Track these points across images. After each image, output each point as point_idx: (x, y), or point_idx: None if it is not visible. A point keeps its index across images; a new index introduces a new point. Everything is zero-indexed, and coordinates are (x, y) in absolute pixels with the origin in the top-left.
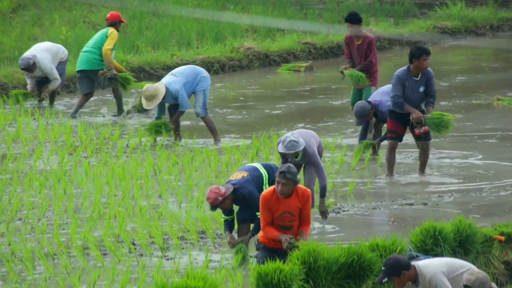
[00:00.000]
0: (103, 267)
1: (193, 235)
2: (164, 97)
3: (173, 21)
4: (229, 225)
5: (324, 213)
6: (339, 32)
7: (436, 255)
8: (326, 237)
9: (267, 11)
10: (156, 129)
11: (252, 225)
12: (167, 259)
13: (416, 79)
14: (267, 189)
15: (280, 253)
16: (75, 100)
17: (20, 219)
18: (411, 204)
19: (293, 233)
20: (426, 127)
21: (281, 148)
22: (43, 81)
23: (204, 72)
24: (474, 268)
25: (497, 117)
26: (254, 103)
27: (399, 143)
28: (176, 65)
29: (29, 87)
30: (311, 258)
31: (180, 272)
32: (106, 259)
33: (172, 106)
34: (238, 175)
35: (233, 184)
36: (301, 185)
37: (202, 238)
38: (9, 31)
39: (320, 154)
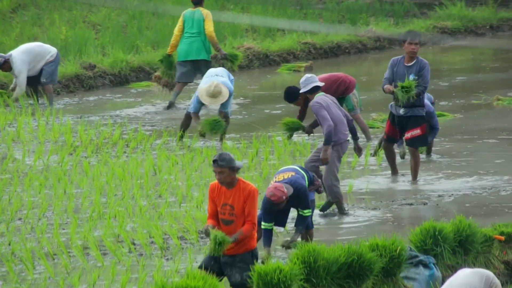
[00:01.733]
0: (103, 267)
1: (193, 235)
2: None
3: (173, 21)
4: (269, 236)
5: (324, 160)
6: (339, 32)
7: (436, 255)
8: (326, 237)
9: (267, 11)
10: (214, 125)
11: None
12: (167, 259)
13: (407, 65)
14: (215, 181)
15: (221, 260)
16: (75, 100)
17: (20, 219)
18: (411, 204)
19: (233, 230)
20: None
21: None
22: (34, 81)
23: (230, 75)
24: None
25: (497, 117)
26: (254, 103)
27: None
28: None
29: (11, 85)
30: (311, 258)
31: (180, 272)
32: (106, 259)
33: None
34: (285, 175)
35: (287, 182)
36: (247, 181)
37: (202, 238)
38: (9, 31)
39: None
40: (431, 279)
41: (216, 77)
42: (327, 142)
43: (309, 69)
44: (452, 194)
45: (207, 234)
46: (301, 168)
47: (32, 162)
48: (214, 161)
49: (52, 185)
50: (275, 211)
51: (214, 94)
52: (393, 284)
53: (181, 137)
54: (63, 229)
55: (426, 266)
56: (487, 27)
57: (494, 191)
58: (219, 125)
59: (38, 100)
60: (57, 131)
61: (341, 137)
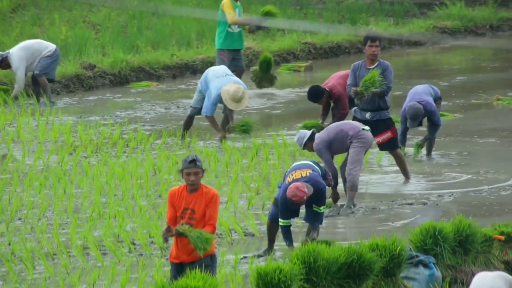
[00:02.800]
0: (103, 267)
1: None
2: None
3: (173, 21)
4: (289, 232)
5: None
6: (339, 32)
7: (436, 255)
8: (326, 236)
9: None
10: (243, 129)
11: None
12: (167, 259)
13: (369, 67)
14: (175, 187)
15: (187, 267)
16: (75, 100)
17: (20, 218)
18: (411, 204)
19: None
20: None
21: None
22: (35, 80)
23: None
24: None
25: (497, 117)
26: (253, 103)
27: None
28: (176, 65)
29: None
30: (311, 258)
31: None
32: (106, 259)
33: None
34: (302, 173)
35: (307, 181)
36: (209, 186)
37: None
38: (9, 30)
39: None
40: (431, 279)
41: (230, 78)
42: (334, 185)
43: (309, 69)
44: (452, 194)
45: (178, 233)
46: (314, 163)
47: (32, 162)
48: (192, 161)
49: (52, 185)
50: (292, 208)
51: (239, 99)
52: (393, 284)
53: (183, 136)
54: (63, 229)
55: (426, 266)
56: (487, 27)
57: (494, 191)
58: (250, 126)
59: (38, 100)
60: (57, 131)
61: (353, 135)
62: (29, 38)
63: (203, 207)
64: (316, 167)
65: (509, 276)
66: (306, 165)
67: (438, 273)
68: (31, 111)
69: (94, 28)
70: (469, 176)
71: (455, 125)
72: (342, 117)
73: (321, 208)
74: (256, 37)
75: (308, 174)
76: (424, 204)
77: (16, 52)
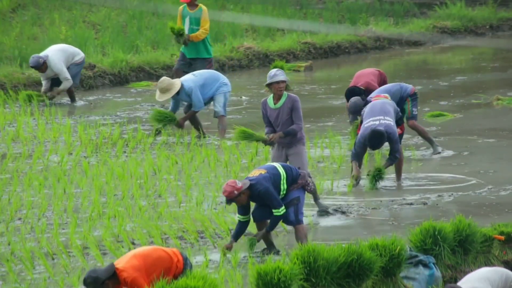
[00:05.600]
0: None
1: (192, 235)
2: (178, 93)
3: (173, 21)
4: (240, 228)
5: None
6: (339, 32)
7: (435, 255)
8: (325, 236)
9: (266, 11)
10: (161, 118)
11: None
12: None
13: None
14: None
15: None
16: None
17: (19, 218)
18: (411, 204)
19: None
20: None
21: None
22: (56, 82)
23: (225, 79)
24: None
25: (497, 117)
26: (253, 103)
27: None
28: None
29: (43, 88)
30: (310, 257)
31: None
32: (106, 259)
33: (187, 107)
34: (256, 173)
35: (250, 180)
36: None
37: (201, 238)
38: (8, 30)
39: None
40: (430, 279)
41: (190, 75)
42: (288, 133)
43: (309, 69)
44: (452, 194)
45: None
46: (282, 166)
47: (31, 162)
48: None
49: (51, 185)
50: (245, 206)
51: (162, 90)
52: (393, 284)
53: (202, 133)
54: (63, 229)
55: (426, 266)
56: (487, 27)
57: (494, 191)
58: (163, 121)
59: (52, 99)
60: (57, 131)
61: None
62: (28, 38)
63: None
64: (279, 170)
65: (509, 274)
66: (267, 166)
67: (438, 273)
68: (30, 111)
69: (94, 28)
70: (469, 176)
71: (455, 124)
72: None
73: (275, 211)
74: (256, 36)
75: (257, 175)
76: (424, 204)
77: (54, 55)
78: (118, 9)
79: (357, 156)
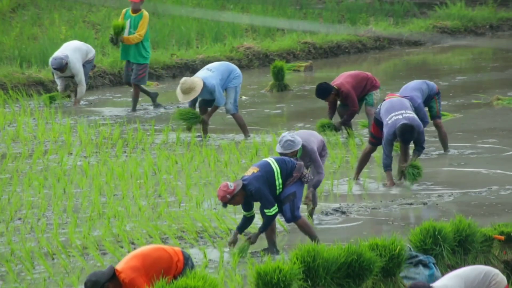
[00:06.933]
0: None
1: (191, 235)
2: (200, 92)
3: (173, 21)
4: (244, 223)
5: (307, 198)
6: (339, 32)
7: (435, 255)
8: (325, 236)
9: (266, 11)
10: (189, 117)
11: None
12: None
13: None
14: None
15: None
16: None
17: (19, 218)
18: (411, 204)
19: None
20: None
21: (278, 149)
22: (67, 80)
23: (237, 70)
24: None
25: (497, 117)
26: (253, 103)
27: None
28: (175, 64)
29: (59, 87)
30: (310, 257)
31: None
32: (105, 259)
33: (203, 102)
34: (249, 171)
35: (243, 180)
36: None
37: (201, 238)
38: (8, 30)
39: (321, 154)
40: (431, 279)
41: (207, 71)
42: (315, 186)
43: (309, 69)
44: (452, 194)
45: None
46: (276, 160)
47: (31, 162)
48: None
49: (51, 185)
50: (246, 202)
51: (186, 91)
52: (393, 284)
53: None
54: (63, 229)
55: (426, 266)
56: (487, 26)
57: (494, 191)
58: (192, 119)
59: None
60: (57, 131)
61: None
62: (28, 37)
63: None
64: (273, 165)
65: (490, 271)
66: (260, 163)
67: (438, 273)
68: (30, 111)
69: (94, 28)
70: (469, 175)
71: (455, 124)
72: (352, 115)
73: (266, 211)
74: (256, 36)
75: (251, 174)
76: (424, 204)
77: (73, 55)
78: (118, 9)
79: (389, 162)
